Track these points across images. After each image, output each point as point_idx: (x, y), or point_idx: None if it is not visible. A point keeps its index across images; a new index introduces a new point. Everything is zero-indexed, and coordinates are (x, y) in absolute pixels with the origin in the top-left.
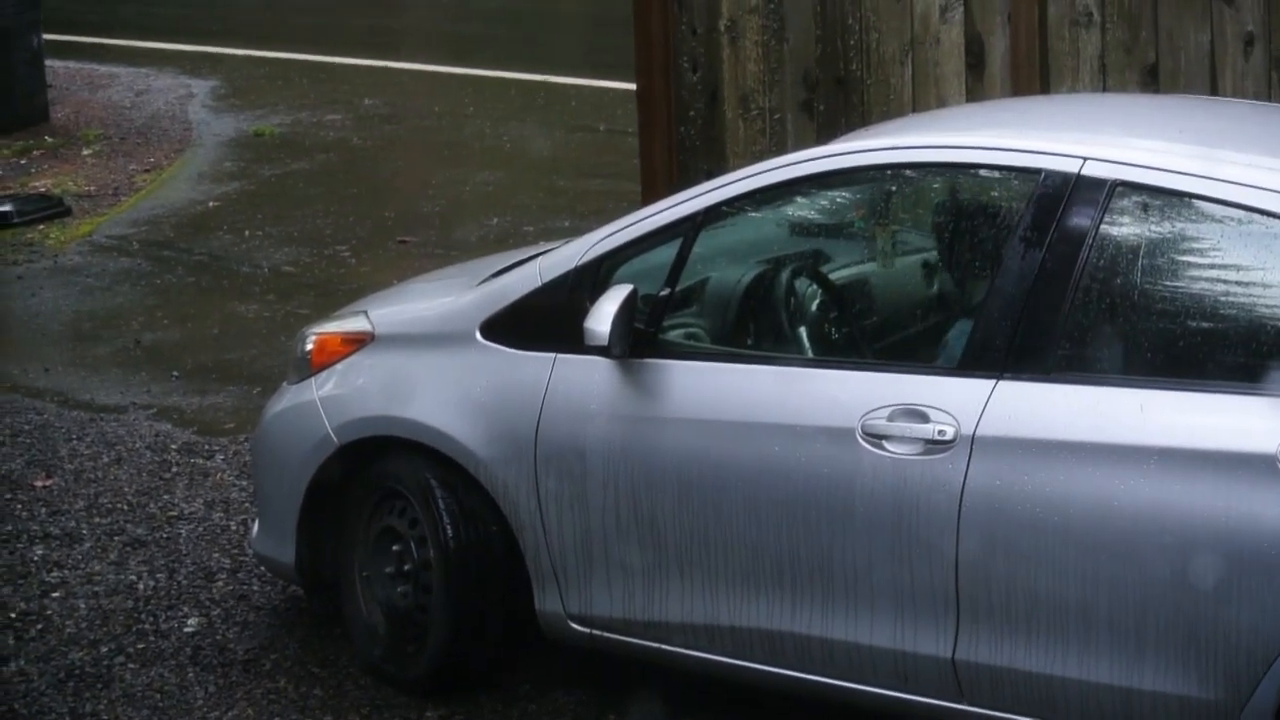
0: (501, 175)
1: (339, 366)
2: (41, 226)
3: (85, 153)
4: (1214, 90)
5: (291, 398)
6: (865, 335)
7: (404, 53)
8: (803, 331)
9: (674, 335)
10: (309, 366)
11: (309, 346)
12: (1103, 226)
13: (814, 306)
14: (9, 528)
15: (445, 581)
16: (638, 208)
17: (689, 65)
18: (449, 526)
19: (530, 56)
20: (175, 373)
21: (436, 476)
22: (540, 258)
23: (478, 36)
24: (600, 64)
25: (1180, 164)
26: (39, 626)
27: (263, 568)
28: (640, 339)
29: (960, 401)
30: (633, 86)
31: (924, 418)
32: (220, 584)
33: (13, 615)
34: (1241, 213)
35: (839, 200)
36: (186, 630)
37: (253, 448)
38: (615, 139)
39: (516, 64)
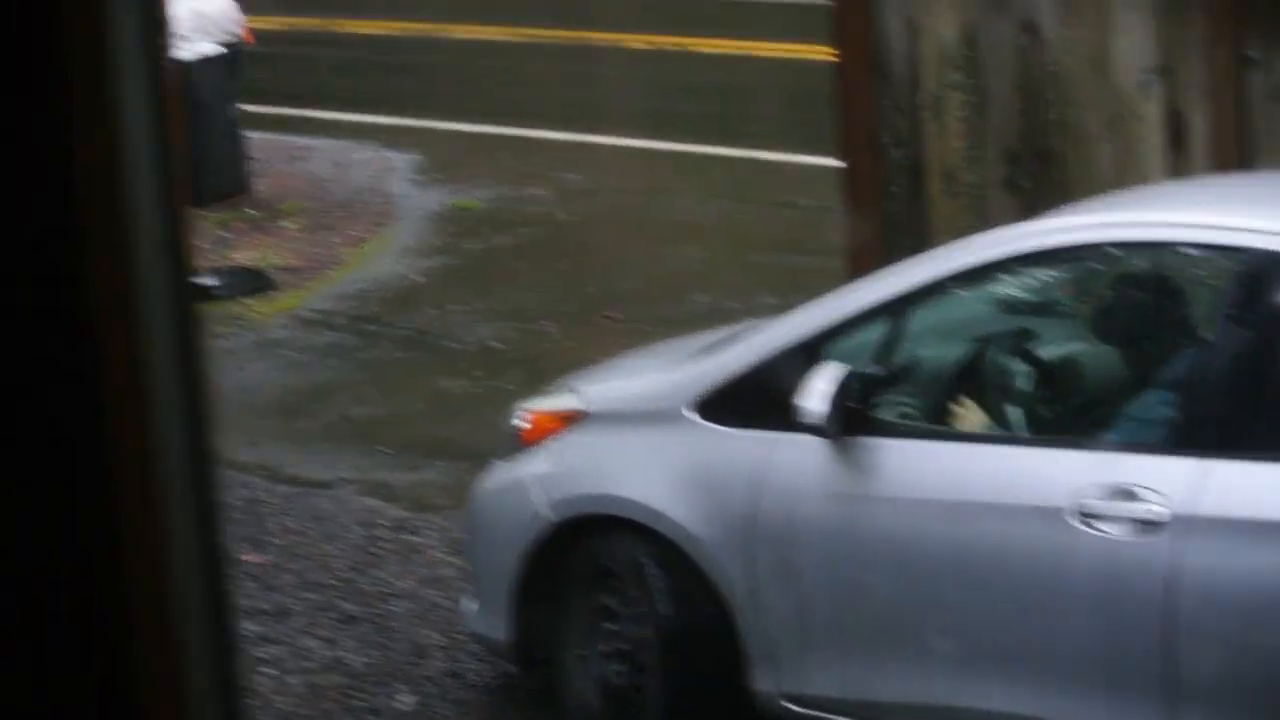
0: (705, 251)
1: (551, 444)
2: (245, 300)
3: (287, 225)
4: None
5: (503, 475)
6: (1075, 414)
7: (604, 127)
8: (1013, 410)
9: (886, 414)
10: (521, 443)
11: (520, 423)
12: None
13: (1023, 385)
14: None
15: (660, 660)
16: (842, 285)
17: (892, 141)
18: (664, 605)
19: (731, 132)
20: (383, 448)
21: (651, 555)
22: (750, 335)
23: (678, 112)
24: (801, 139)
25: None
26: (253, 703)
27: (476, 645)
28: (853, 417)
29: (1172, 481)
30: (833, 162)
31: (1136, 497)
32: (434, 661)
33: None
34: None
35: (1046, 278)
36: (401, 708)
37: (465, 525)
38: (818, 215)
39: (717, 139)
